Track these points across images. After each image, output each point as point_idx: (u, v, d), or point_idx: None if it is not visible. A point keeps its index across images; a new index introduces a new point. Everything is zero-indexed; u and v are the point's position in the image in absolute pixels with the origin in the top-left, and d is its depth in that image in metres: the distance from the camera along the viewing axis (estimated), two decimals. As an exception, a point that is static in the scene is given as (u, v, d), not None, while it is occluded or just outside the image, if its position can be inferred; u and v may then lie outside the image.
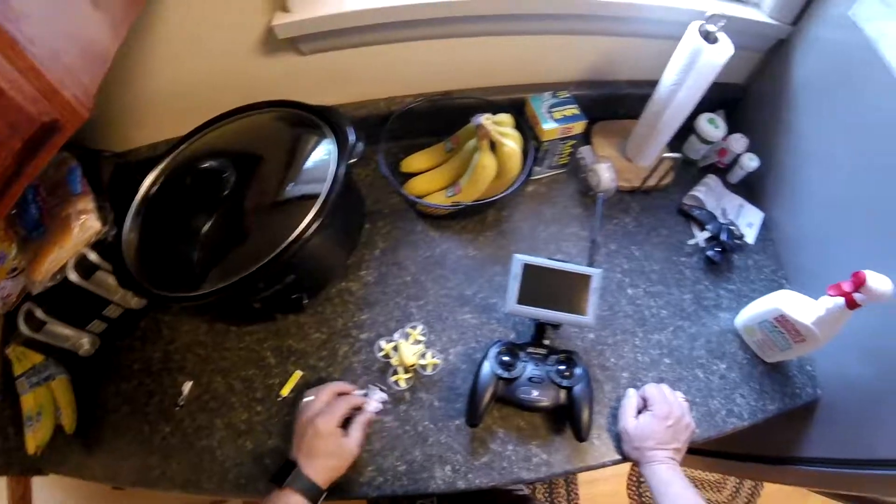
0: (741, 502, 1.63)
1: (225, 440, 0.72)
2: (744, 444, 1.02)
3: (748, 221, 0.93)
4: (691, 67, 0.75)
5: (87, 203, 0.70)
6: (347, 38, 0.78)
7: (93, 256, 0.69)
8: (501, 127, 0.77)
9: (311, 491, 0.59)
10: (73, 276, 0.67)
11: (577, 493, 1.62)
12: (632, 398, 0.74)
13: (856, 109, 0.75)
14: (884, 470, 0.70)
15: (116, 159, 0.83)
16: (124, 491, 0.89)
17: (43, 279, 0.67)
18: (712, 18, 0.73)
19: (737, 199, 0.95)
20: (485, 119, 0.75)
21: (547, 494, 1.62)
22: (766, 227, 0.94)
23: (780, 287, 0.89)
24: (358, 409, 0.67)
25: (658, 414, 0.70)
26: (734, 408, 0.78)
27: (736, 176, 0.96)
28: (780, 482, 0.98)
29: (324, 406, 0.65)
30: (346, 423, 0.64)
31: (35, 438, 0.69)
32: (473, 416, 0.70)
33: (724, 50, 0.74)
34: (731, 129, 0.95)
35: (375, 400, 0.69)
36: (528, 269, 0.70)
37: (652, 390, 0.74)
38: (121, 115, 0.81)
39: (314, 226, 0.64)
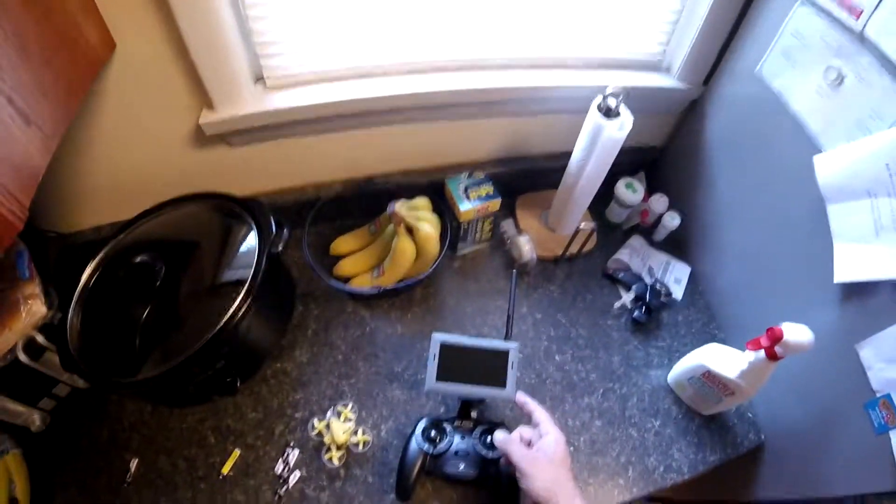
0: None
1: (171, 519, 0.72)
2: (700, 490, 1.02)
3: (675, 277, 0.95)
4: (595, 143, 0.78)
5: (34, 288, 0.72)
6: (272, 133, 0.82)
7: (40, 339, 0.71)
8: (418, 211, 0.80)
9: None
10: (22, 357, 0.69)
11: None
12: (505, 434, 0.66)
13: (766, 161, 0.79)
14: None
15: (62, 240, 0.86)
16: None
17: (-7, 360, 0.69)
18: (611, 94, 0.76)
19: (663, 257, 0.98)
20: (398, 206, 0.78)
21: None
22: (694, 282, 0.96)
23: (713, 338, 0.90)
24: None
25: (557, 434, 0.62)
26: (672, 463, 0.78)
27: (660, 234, 0.98)
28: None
29: None
30: None
31: (-10, 512, 0.69)
32: (402, 491, 0.71)
33: (624, 124, 0.76)
34: (654, 188, 0.98)
35: None
36: (446, 348, 0.72)
37: (536, 427, 0.66)
38: (65, 202, 0.85)
39: (239, 314, 0.67)
